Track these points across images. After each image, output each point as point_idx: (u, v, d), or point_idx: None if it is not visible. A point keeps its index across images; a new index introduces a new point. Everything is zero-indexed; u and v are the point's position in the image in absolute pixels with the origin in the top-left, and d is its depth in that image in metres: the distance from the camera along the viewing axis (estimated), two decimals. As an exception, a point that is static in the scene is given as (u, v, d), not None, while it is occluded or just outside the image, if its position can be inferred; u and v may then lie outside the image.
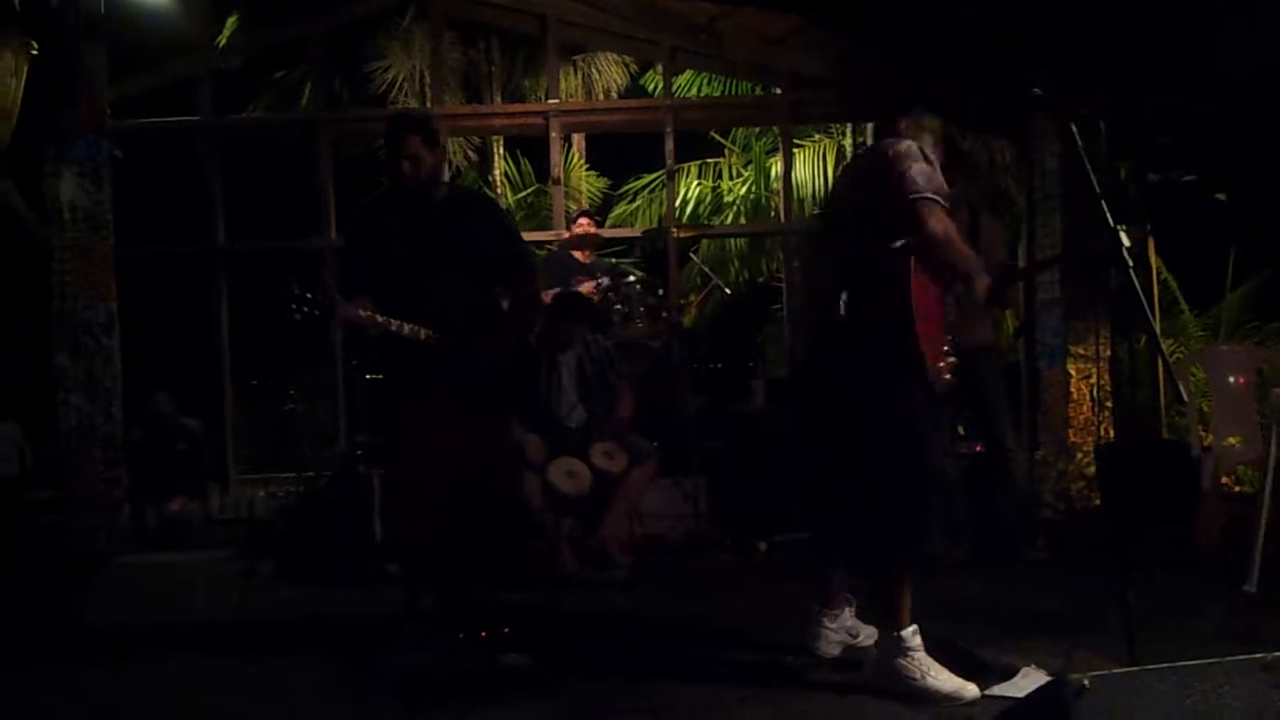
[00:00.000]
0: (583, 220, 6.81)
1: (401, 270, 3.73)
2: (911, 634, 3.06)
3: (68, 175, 5.95)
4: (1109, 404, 6.42)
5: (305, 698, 3.32)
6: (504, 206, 10.39)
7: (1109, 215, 2.70)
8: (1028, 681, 2.99)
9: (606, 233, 8.03)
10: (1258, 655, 2.11)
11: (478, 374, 3.80)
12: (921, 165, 3.00)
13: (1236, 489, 6.47)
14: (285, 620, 4.40)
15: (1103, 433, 6.34)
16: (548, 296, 5.61)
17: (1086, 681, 2.00)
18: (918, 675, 3.00)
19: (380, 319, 3.65)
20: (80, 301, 5.97)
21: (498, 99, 10.82)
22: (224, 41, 9.38)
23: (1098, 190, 2.76)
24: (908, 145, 3.07)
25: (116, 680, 3.57)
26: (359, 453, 5.56)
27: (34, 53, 5.75)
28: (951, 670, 3.02)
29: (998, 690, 2.99)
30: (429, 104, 8.44)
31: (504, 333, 3.88)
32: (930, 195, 2.96)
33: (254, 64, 9.35)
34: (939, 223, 2.94)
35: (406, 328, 3.68)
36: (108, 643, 4.10)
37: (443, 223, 3.76)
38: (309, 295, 3.64)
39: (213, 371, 7.20)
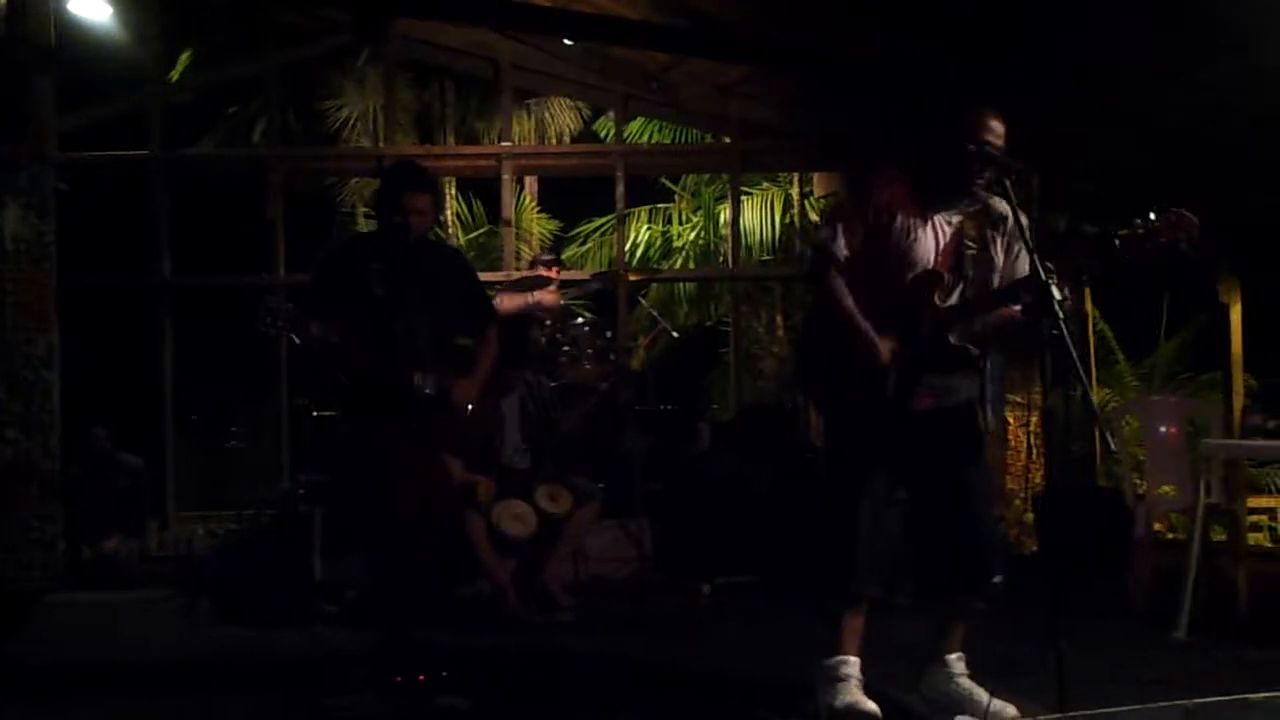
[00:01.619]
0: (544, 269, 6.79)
1: (375, 308, 3.76)
2: (838, 663, 3.11)
3: (11, 206, 5.85)
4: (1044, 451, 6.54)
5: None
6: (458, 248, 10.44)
7: (1040, 268, 2.78)
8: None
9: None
10: (1180, 702, 2.15)
11: (448, 414, 3.84)
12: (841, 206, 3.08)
13: (1170, 536, 6.60)
14: (222, 661, 4.34)
15: (1038, 480, 6.45)
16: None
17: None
18: (823, 699, 3.10)
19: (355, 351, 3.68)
20: (19, 334, 5.85)
21: (451, 140, 10.85)
22: (176, 76, 9.35)
23: (1030, 244, 2.84)
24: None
25: (47, 721, 3.51)
26: (301, 491, 5.52)
27: (-19, 83, 5.71)
28: (885, 713, 3.05)
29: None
30: (381, 143, 8.47)
31: (471, 374, 3.94)
32: (826, 251, 3.09)
33: (206, 99, 9.35)
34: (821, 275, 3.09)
35: (387, 366, 3.73)
36: (39, 683, 4.02)
37: (417, 265, 3.83)
38: (284, 310, 3.68)
39: (155, 407, 7.11)
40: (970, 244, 3.13)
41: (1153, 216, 2.85)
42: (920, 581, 3.21)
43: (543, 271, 6.71)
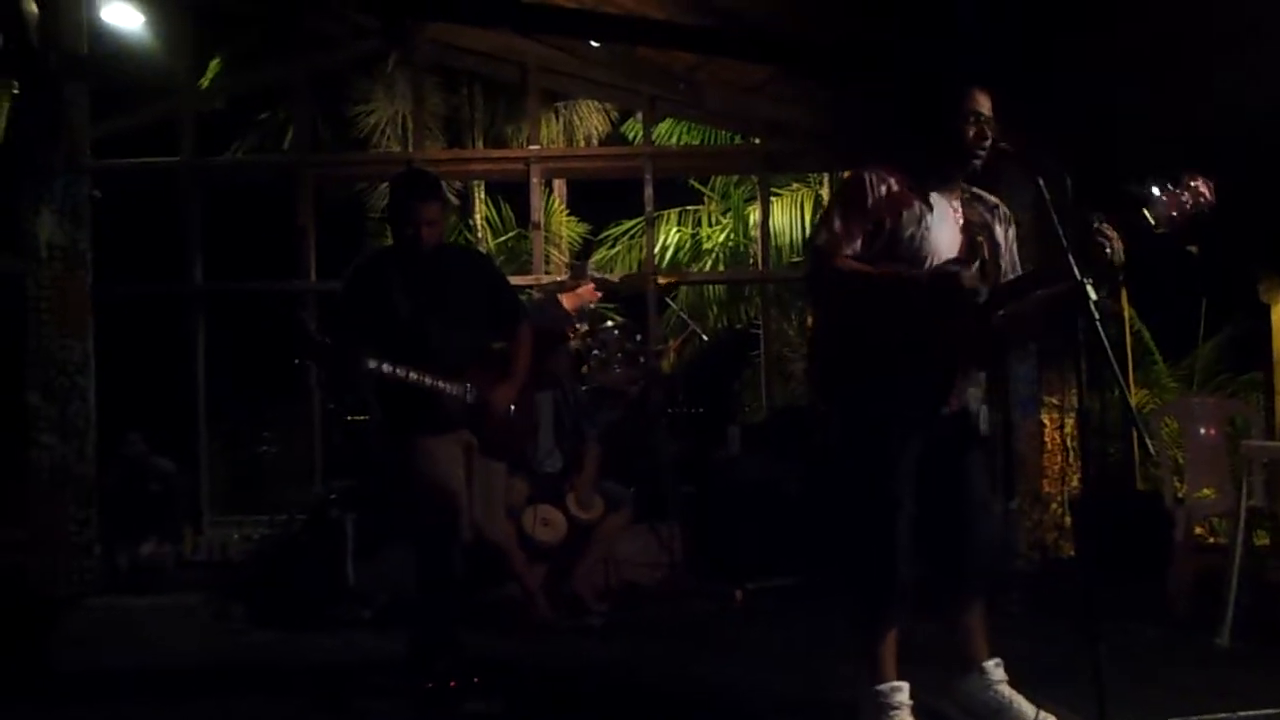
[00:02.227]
0: (591, 286, 6.73)
1: (402, 320, 3.78)
2: (890, 690, 2.99)
3: (46, 214, 5.92)
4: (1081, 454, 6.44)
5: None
6: (487, 253, 10.48)
7: (1075, 268, 2.73)
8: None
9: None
10: (1221, 715, 2.10)
11: (489, 420, 3.87)
12: (836, 205, 2.99)
13: (1211, 540, 6.49)
14: (255, 665, 4.34)
15: (1076, 483, 6.36)
16: None
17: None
18: None
19: (401, 372, 3.68)
20: (55, 341, 5.92)
21: (479, 144, 10.87)
22: (207, 83, 9.42)
23: (1064, 244, 2.79)
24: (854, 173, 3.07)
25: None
26: (333, 496, 5.53)
27: (15, 92, 5.76)
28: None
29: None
30: (410, 148, 8.49)
31: (509, 377, 3.96)
32: (817, 245, 3.01)
33: (237, 105, 9.39)
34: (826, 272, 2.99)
35: (429, 380, 3.73)
36: (74, 687, 4.04)
37: (440, 274, 3.84)
38: (317, 342, 3.69)
39: (188, 412, 7.15)
40: (977, 230, 3.08)
41: (1171, 186, 2.80)
42: (932, 587, 3.10)
43: (584, 291, 6.65)
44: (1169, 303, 8.52)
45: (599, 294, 6.58)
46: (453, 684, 3.56)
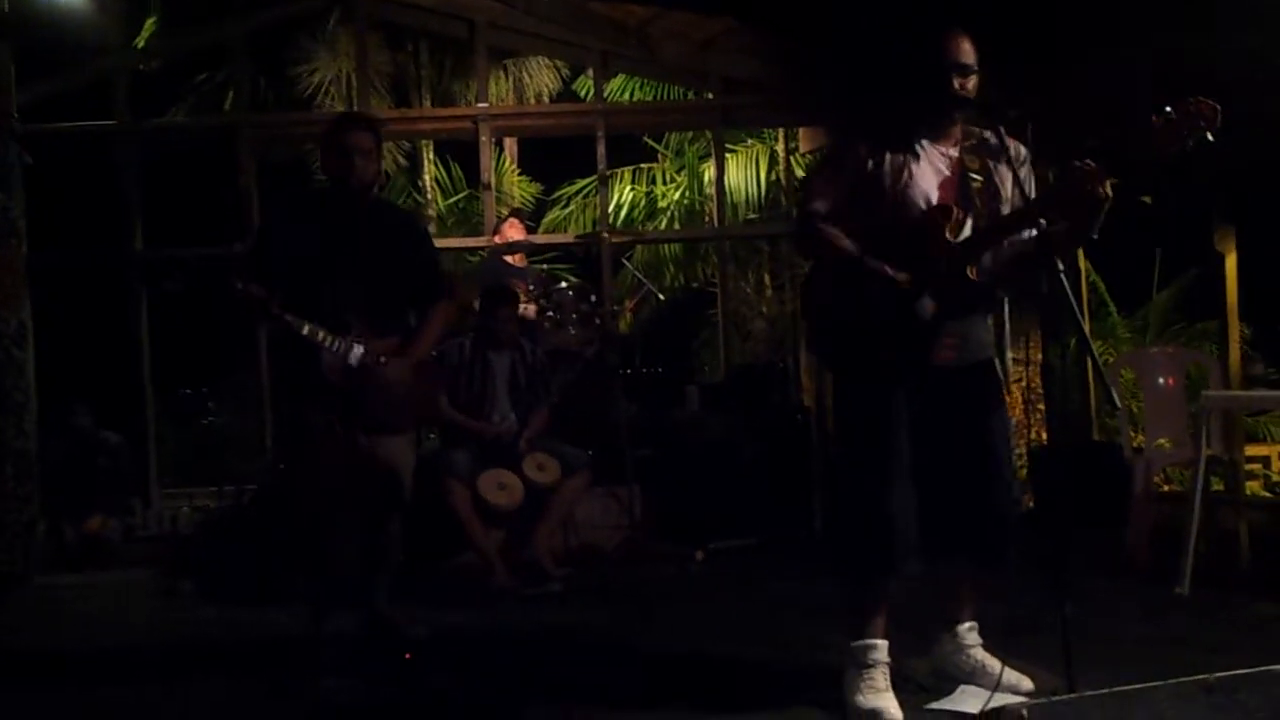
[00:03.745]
0: (512, 221, 6.72)
1: (307, 265, 3.58)
2: (866, 647, 2.94)
3: (-28, 182, 5.71)
4: (1041, 406, 6.45)
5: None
6: (431, 216, 10.32)
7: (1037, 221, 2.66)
8: (965, 698, 2.94)
9: (539, 239, 7.95)
10: (1199, 676, 2.06)
11: (374, 388, 3.64)
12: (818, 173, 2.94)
13: (1166, 488, 6.55)
14: (202, 642, 4.23)
15: (1035, 435, 6.38)
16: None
17: (1025, 712, 1.95)
18: (850, 691, 2.92)
19: (290, 318, 3.49)
20: (-11, 313, 5.73)
21: (427, 103, 10.67)
22: (143, 43, 9.12)
23: (1025, 194, 2.72)
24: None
25: (27, 708, 3.41)
26: (281, 466, 5.40)
27: (-64, 54, 5.54)
28: (894, 684, 2.95)
29: (937, 705, 2.94)
30: (355, 107, 8.30)
31: (408, 349, 3.73)
32: (805, 211, 3.00)
33: (176, 67, 9.15)
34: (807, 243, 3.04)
35: (308, 330, 3.52)
36: (18, 669, 3.91)
37: (363, 228, 3.64)
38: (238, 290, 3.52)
39: (133, 382, 6.97)
40: (975, 176, 2.99)
41: (1169, 109, 2.66)
42: (941, 550, 2.99)
43: (508, 230, 6.61)
44: (1123, 254, 8.54)
45: (521, 228, 6.59)
46: (408, 656, 3.49)
